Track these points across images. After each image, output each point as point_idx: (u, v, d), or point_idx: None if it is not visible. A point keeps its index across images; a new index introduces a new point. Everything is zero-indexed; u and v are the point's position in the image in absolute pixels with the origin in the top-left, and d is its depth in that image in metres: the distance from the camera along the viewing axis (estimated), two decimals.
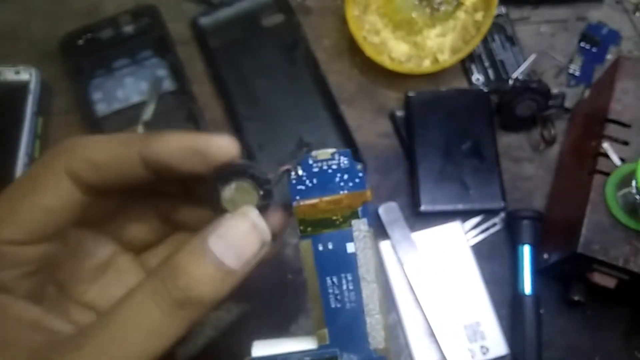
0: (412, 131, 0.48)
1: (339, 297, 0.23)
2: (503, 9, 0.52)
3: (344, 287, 0.23)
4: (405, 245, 0.45)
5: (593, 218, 0.38)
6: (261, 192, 0.24)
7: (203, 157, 0.24)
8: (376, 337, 0.23)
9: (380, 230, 0.45)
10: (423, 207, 0.45)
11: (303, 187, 0.24)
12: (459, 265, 0.45)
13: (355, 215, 0.23)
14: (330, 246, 0.23)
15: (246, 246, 0.23)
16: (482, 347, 0.43)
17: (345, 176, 0.24)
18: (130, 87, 0.49)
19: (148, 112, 0.48)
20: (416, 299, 0.44)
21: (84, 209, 0.25)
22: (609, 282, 0.38)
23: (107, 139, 0.25)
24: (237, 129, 0.48)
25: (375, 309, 0.23)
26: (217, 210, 0.24)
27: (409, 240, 0.45)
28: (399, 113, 0.49)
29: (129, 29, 0.50)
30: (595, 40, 0.51)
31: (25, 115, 0.47)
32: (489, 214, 0.46)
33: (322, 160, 0.24)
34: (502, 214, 0.46)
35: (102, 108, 0.48)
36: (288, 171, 0.24)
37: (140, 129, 0.47)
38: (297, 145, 0.48)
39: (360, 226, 0.23)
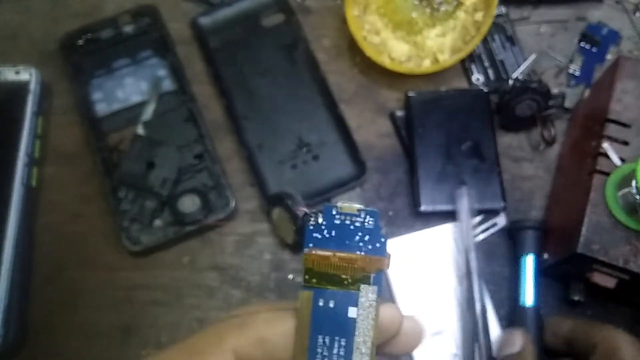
0: (412, 131, 0.48)
1: (326, 359, 0.22)
2: (503, 9, 0.52)
3: (335, 350, 0.22)
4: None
5: (593, 218, 0.38)
6: (293, 227, 0.23)
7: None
8: None
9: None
10: (423, 207, 0.45)
11: (319, 236, 0.22)
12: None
13: (366, 280, 0.22)
14: (331, 304, 0.22)
15: None
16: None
17: (367, 237, 0.22)
18: (130, 87, 0.49)
19: (148, 112, 0.48)
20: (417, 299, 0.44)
21: None
22: (609, 282, 0.38)
23: (272, 316, 0.24)
24: (236, 129, 0.48)
25: None
26: (272, 226, 0.24)
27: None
28: (399, 113, 0.49)
29: (129, 29, 0.51)
30: (595, 40, 0.51)
31: (25, 115, 0.47)
32: (489, 214, 0.46)
33: (346, 214, 0.22)
34: (502, 214, 0.46)
35: (102, 108, 0.49)
36: (307, 215, 0.23)
37: (140, 129, 0.47)
38: (297, 145, 0.48)
39: (368, 293, 0.22)
